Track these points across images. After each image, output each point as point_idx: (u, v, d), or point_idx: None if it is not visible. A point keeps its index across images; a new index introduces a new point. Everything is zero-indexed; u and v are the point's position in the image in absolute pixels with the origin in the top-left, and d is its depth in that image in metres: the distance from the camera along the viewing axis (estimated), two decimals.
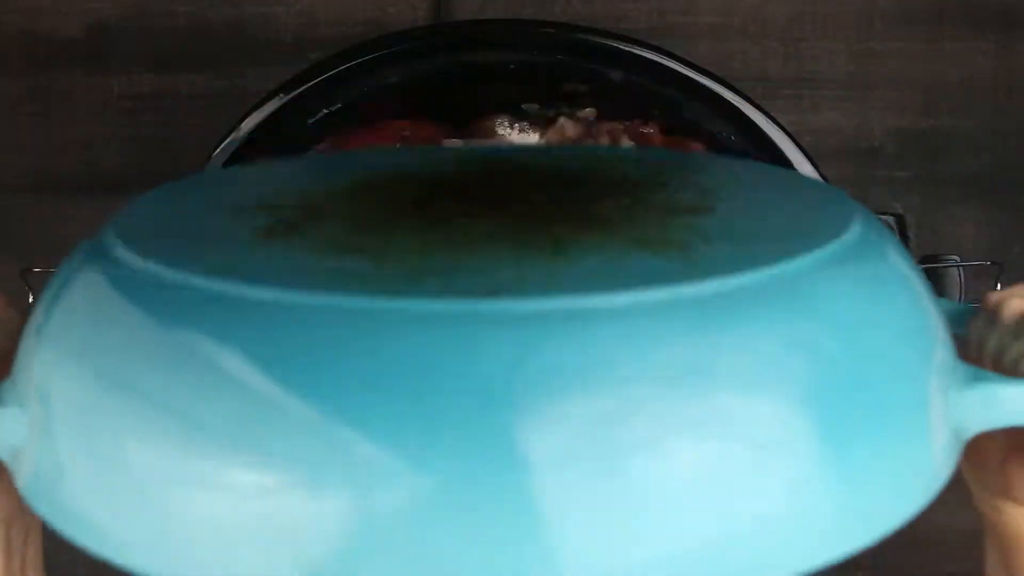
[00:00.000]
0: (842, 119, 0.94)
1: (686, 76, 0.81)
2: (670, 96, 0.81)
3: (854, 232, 0.47)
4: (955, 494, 0.96)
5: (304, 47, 0.94)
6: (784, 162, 0.80)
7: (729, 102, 0.80)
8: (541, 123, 0.86)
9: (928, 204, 0.94)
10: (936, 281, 0.82)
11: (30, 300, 0.81)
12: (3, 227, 0.95)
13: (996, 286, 0.81)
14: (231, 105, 0.94)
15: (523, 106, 0.86)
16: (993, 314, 0.53)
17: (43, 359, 0.45)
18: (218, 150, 0.81)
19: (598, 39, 0.81)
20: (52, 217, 0.95)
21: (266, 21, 0.95)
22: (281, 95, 0.81)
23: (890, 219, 0.83)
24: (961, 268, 0.81)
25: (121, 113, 0.95)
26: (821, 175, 0.80)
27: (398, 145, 0.82)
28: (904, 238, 0.83)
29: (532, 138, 0.83)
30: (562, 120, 0.85)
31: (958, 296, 0.82)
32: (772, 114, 0.81)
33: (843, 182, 0.93)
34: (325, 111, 0.82)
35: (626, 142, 0.84)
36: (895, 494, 0.45)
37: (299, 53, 0.94)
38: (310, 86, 0.81)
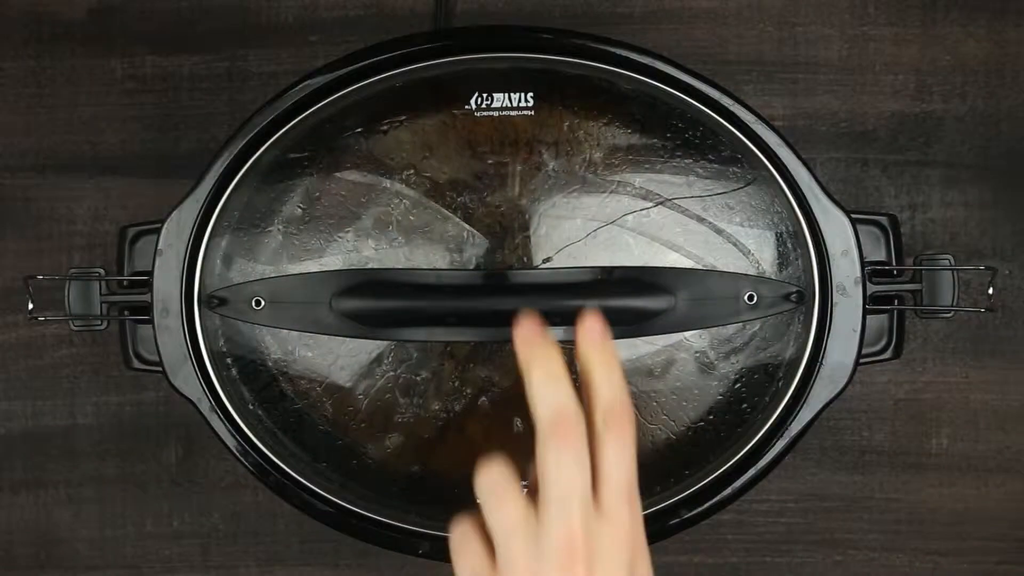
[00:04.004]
0: (836, 103, 0.95)
1: (665, 73, 0.81)
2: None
3: None
4: (942, 476, 0.99)
5: (305, 30, 0.95)
6: (768, 153, 0.81)
7: (707, 96, 0.81)
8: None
9: (920, 187, 0.95)
10: (931, 283, 0.83)
11: (30, 307, 0.82)
12: (6, 207, 0.96)
13: (989, 290, 0.83)
14: (232, 87, 0.95)
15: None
16: None
17: None
18: (218, 161, 0.81)
19: (591, 44, 0.82)
20: (55, 197, 0.96)
21: (267, 3, 0.95)
22: (277, 104, 0.82)
23: (883, 219, 0.84)
24: (956, 272, 0.82)
25: (123, 94, 0.95)
26: (803, 162, 0.80)
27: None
28: (897, 238, 0.84)
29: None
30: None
31: (952, 298, 0.83)
32: (756, 109, 0.81)
33: (836, 165, 0.94)
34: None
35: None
36: None
37: (300, 36, 0.95)
38: (311, 91, 0.82)
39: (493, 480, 0.59)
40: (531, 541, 0.58)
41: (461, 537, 0.60)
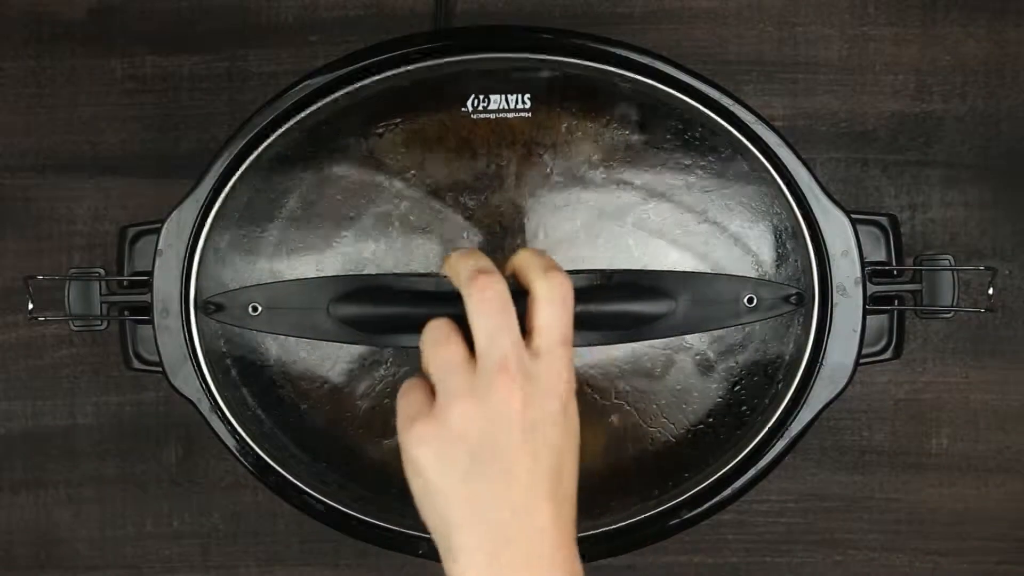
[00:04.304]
0: (836, 103, 0.95)
1: (665, 73, 0.81)
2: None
3: None
4: (942, 476, 0.99)
5: (305, 30, 0.95)
6: (768, 153, 0.81)
7: (707, 96, 0.81)
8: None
9: (920, 187, 0.95)
10: (931, 283, 0.83)
11: (30, 307, 0.82)
12: (6, 207, 0.96)
13: (989, 290, 0.83)
14: (232, 87, 0.95)
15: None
16: None
17: None
18: (218, 161, 0.81)
19: (591, 44, 0.82)
20: (55, 197, 0.96)
21: (267, 3, 0.95)
22: (277, 104, 0.82)
23: (883, 219, 0.84)
24: (956, 272, 0.82)
25: (123, 94, 0.95)
26: (803, 162, 0.80)
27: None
28: (897, 238, 0.84)
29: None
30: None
31: (952, 298, 0.83)
32: (756, 108, 0.81)
33: (836, 165, 0.94)
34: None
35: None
36: None
37: (300, 36, 0.95)
38: (310, 91, 0.82)
39: (435, 331, 0.63)
40: (469, 376, 0.61)
41: (407, 385, 0.64)
